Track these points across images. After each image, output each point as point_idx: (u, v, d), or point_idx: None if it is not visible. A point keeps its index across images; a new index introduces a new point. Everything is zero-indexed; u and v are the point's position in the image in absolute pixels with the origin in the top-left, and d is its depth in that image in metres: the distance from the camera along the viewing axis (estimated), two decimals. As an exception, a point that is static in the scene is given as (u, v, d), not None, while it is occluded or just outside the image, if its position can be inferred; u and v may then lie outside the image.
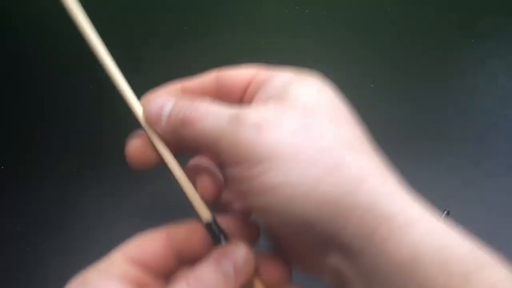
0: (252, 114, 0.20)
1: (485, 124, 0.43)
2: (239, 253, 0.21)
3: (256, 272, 0.22)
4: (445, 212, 0.37)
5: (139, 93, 0.23)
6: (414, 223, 0.17)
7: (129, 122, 0.23)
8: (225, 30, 0.51)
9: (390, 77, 0.46)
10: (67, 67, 0.46)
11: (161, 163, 0.23)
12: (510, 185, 0.39)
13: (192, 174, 0.23)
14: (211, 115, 0.20)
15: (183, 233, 0.24)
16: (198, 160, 0.24)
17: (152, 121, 0.22)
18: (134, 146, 0.23)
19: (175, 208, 0.39)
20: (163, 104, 0.22)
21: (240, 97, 0.24)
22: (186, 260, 0.22)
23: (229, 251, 0.21)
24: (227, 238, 0.22)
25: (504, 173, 0.40)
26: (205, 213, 0.22)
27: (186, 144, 0.21)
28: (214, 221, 0.22)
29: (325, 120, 0.20)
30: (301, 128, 0.20)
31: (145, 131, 0.23)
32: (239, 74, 0.24)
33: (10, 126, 0.43)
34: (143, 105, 0.22)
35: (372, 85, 0.46)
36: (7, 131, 0.43)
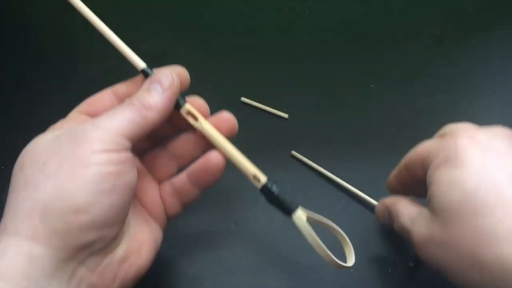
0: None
1: (485, 124, 0.43)
2: (163, 76, 0.28)
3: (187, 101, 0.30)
4: None
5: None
6: None
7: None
8: (225, 30, 0.51)
9: (390, 77, 0.46)
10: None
11: None
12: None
13: None
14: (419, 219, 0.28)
15: (125, 87, 0.31)
16: None
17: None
18: None
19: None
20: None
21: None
22: None
23: (156, 76, 0.28)
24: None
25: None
26: (139, 63, 0.29)
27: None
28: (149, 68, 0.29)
29: None
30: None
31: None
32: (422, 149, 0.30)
33: (10, 127, 0.43)
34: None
35: (372, 85, 0.46)
36: (7, 131, 0.43)
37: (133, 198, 0.27)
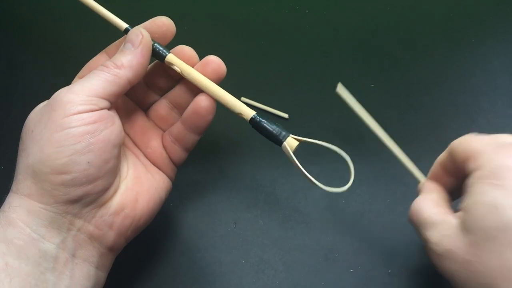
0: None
1: (485, 124, 0.43)
2: (133, 34, 0.30)
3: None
4: None
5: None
6: None
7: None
8: (225, 30, 0.51)
9: (389, 77, 0.46)
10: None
11: None
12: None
13: None
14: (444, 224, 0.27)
15: (115, 47, 0.33)
16: None
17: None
18: None
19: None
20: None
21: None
22: None
23: (128, 36, 0.30)
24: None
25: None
26: (122, 24, 0.33)
27: None
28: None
29: None
30: None
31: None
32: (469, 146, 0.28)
33: (9, 127, 0.43)
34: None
35: (372, 85, 0.46)
36: (7, 131, 0.43)
37: (119, 153, 0.29)
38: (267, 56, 0.49)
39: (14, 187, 0.27)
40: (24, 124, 0.28)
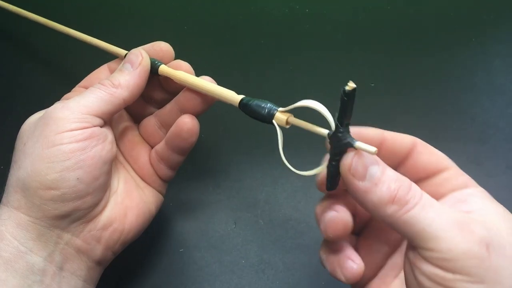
0: (480, 228, 0.20)
1: (485, 124, 0.43)
2: (133, 55, 0.31)
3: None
4: None
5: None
6: None
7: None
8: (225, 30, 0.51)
9: (390, 76, 0.46)
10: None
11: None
12: (510, 185, 0.39)
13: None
14: (438, 211, 0.21)
15: (117, 63, 0.33)
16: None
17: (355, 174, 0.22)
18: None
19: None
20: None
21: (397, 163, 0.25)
22: None
23: (128, 57, 0.31)
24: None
25: (504, 172, 0.40)
26: (121, 52, 0.33)
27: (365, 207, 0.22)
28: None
29: None
30: None
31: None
32: (403, 141, 0.25)
33: (10, 127, 0.43)
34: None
35: (372, 84, 0.46)
36: (7, 132, 0.43)
37: (109, 168, 0.29)
38: (267, 56, 0.49)
39: (4, 199, 0.27)
40: (18, 133, 0.29)
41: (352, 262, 0.24)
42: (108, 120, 0.30)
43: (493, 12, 0.52)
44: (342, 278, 0.24)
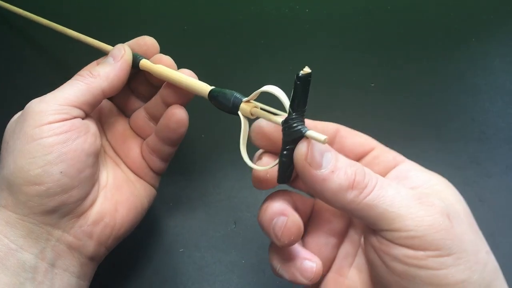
0: (437, 200, 0.20)
1: (485, 124, 0.43)
2: (116, 49, 0.31)
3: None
4: None
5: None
6: None
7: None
8: (226, 31, 0.51)
9: (390, 76, 0.46)
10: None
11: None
12: (510, 185, 0.39)
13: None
14: (396, 190, 0.21)
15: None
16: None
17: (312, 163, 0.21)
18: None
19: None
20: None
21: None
22: None
23: (112, 51, 0.31)
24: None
25: (504, 172, 0.40)
26: (109, 48, 0.33)
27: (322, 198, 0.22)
28: None
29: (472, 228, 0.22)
30: (471, 229, 0.21)
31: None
32: (327, 128, 0.25)
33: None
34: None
35: (372, 84, 0.46)
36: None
37: (95, 161, 0.29)
38: (267, 56, 0.49)
39: None
40: (4, 134, 0.28)
41: (310, 262, 0.24)
42: (90, 111, 0.29)
43: (493, 12, 0.52)
44: (304, 281, 0.24)
